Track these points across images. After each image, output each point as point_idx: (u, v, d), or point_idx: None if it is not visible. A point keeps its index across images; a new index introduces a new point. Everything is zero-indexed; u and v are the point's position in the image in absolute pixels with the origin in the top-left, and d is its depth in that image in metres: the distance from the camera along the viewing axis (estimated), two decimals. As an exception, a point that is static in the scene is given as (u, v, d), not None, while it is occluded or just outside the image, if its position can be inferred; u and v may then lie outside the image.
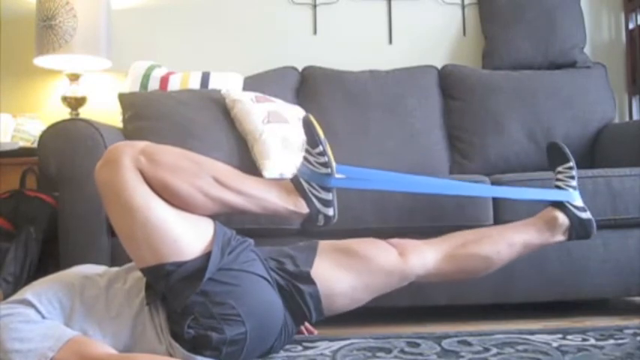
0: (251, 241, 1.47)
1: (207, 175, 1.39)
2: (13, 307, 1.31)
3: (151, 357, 1.31)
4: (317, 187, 1.49)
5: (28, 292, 1.36)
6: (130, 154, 1.32)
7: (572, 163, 1.75)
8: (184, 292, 1.31)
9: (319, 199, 1.49)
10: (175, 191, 1.35)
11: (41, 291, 1.36)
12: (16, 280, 1.78)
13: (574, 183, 1.73)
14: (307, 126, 1.52)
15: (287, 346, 1.56)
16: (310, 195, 1.49)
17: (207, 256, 1.33)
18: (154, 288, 1.36)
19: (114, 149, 1.35)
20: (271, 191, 1.47)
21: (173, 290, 1.32)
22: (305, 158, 1.52)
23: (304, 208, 1.49)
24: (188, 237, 1.34)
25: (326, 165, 1.50)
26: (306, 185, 1.49)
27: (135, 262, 1.38)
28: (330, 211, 1.51)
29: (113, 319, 1.36)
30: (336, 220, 1.53)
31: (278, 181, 1.53)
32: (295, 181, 1.50)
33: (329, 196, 1.50)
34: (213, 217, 1.47)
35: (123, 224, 1.33)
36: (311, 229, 1.57)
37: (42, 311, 1.32)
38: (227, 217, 1.77)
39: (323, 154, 1.50)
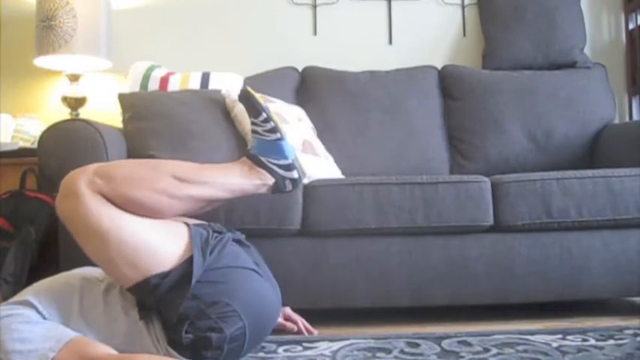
0: (229, 235, 1.46)
1: (165, 176, 1.38)
2: (14, 308, 1.31)
3: (150, 357, 1.31)
4: (274, 156, 1.50)
5: (28, 293, 1.36)
6: (84, 180, 1.31)
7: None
8: (175, 301, 1.31)
9: (280, 166, 1.50)
10: (140, 202, 1.33)
11: (41, 292, 1.36)
12: (16, 281, 1.78)
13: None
14: (246, 98, 1.53)
15: (287, 346, 1.56)
16: (270, 165, 1.50)
17: (189, 261, 1.32)
18: (146, 304, 1.35)
19: (68, 180, 1.33)
20: (233, 172, 1.48)
21: (164, 301, 1.32)
22: (253, 131, 1.53)
23: (269, 179, 1.50)
24: (165, 246, 1.33)
25: (274, 130, 1.51)
26: (263, 157, 1.50)
27: (121, 285, 1.36)
28: (295, 174, 1.52)
29: (111, 324, 1.35)
30: (304, 180, 1.54)
31: (236, 162, 1.53)
32: (251, 155, 1.51)
33: (288, 160, 1.51)
34: (194, 217, 1.47)
35: (98, 251, 1.32)
36: (282, 195, 1.58)
37: (42, 312, 1.32)
38: (226, 217, 1.78)
39: (268, 120, 1.51)
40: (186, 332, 1.31)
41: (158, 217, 1.36)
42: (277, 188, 1.52)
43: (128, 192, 1.32)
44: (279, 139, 1.51)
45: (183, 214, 1.44)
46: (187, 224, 1.41)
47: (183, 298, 1.30)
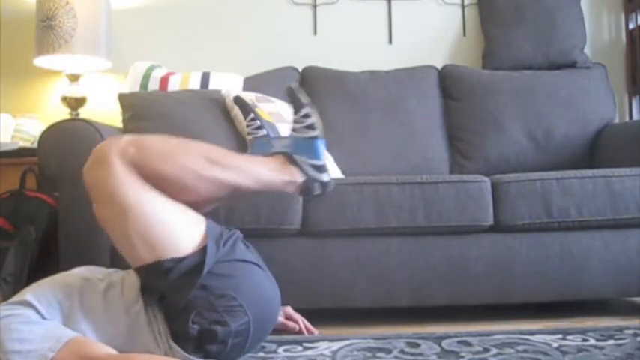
0: (239, 233, 1.46)
1: (197, 155, 1.38)
2: (14, 308, 1.31)
3: (150, 357, 1.31)
4: (308, 155, 1.48)
5: (28, 293, 1.35)
6: (117, 149, 1.30)
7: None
8: (185, 287, 1.31)
9: (312, 166, 1.48)
10: (166, 176, 1.33)
11: (41, 292, 1.36)
12: (16, 281, 1.78)
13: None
14: (292, 91, 1.51)
15: (287, 346, 1.56)
16: (302, 163, 1.48)
17: (203, 250, 1.32)
18: (151, 288, 1.35)
19: (100, 148, 1.33)
20: (264, 164, 1.46)
21: (173, 287, 1.32)
22: (292, 129, 1.51)
23: (299, 177, 1.48)
24: (183, 232, 1.33)
25: (313, 127, 1.49)
26: (296, 156, 1.48)
27: (131, 263, 1.37)
28: (325, 177, 1.50)
29: (111, 324, 1.35)
30: (333, 188, 1.51)
31: (270, 155, 1.51)
32: (284, 153, 1.49)
33: (320, 162, 1.49)
34: (211, 206, 1.46)
35: (117, 223, 1.32)
36: (309, 199, 1.55)
37: (42, 312, 1.32)
38: (226, 217, 1.78)
39: (308, 115, 1.49)
40: (193, 322, 1.31)
41: (181, 195, 1.35)
42: (306, 189, 1.50)
43: (157, 164, 1.32)
44: (316, 137, 1.49)
45: (204, 200, 1.42)
46: (205, 217, 1.41)
47: (192, 286, 1.30)
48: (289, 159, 1.48)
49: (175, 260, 1.30)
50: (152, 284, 1.35)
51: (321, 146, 1.50)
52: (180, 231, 1.33)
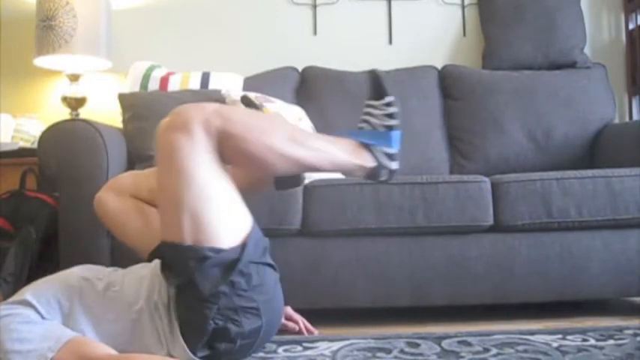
0: (267, 239, 1.47)
1: (281, 131, 1.37)
2: (13, 308, 1.31)
3: (150, 357, 1.31)
4: (382, 143, 1.47)
5: (27, 293, 1.35)
6: (202, 118, 1.28)
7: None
8: (216, 278, 1.29)
9: (385, 154, 1.47)
10: (250, 153, 1.32)
11: (40, 292, 1.36)
12: (16, 281, 1.78)
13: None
14: (375, 78, 1.49)
15: (287, 346, 1.56)
16: (376, 150, 1.47)
17: (242, 247, 1.32)
18: (179, 269, 1.31)
19: (185, 113, 1.30)
20: (339, 146, 1.44)
21: (204, 274, 1.29)
22: (368, 114, 1.49)
23: (370, 162, 1.46)
24: (231, 225, 1.33)
25: (394, 116, 1.47)
26: (371, 143, 1.46)
27: (166, 234, 1.33)
28: (395, 165, 1.49)
29: (111, 323, 1.35)
30: (395, 176, 1.50)
31: (343, 138, 1.49)
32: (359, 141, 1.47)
33: (394, 150, 1.48)
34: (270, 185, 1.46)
35: (175, 193, 1.29)
36: (374, 183, 1.54)
37: (41, 312, 1.32)
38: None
39: (391, 104, 1.47)
40: (213, 318, 1.30)
41: (254, 170, 1.35)
42: (373, 174, 1.48)
43: (242, 140, 1.30)
44: (394, 127, 1.47)
45: (272, 176, 1.41)
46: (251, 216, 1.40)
47: (224, 279, 1.29)
48: (363, 144, 1.47)
49: (215, 250, 1.29)
50: (183, 265, 1.30)
51: (398, 135, 1.48)
52: (230, 223, 1.33)
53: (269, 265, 1.41)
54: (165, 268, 1.35)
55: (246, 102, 1.91)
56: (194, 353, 1.32)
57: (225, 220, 1.32)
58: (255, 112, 1.40)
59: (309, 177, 1.93)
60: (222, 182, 1.32)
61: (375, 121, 1.48)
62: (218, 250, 1.29)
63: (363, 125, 1.49)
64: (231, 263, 1.30)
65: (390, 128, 1.47)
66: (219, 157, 1.32)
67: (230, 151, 1.31)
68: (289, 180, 1.57)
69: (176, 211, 1.29)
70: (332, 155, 1.42)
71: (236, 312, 1.31)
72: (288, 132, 1.39)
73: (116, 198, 1.56)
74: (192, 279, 1.29)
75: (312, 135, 1.45)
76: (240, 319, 1.32)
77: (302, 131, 1.44)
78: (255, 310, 1.34)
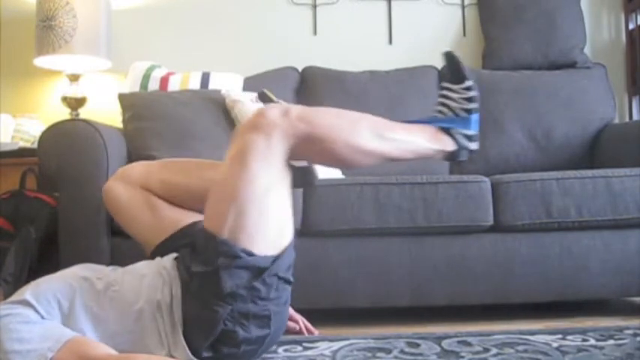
0: (294, 254, 1.46)
1: (364, 130, 1.37)
2: (12, 308, 1.30)
3: (149, 357, 1.31)
4: (461, 126, 1.46)
5: (26, 293, 1.35)
6: (285, 124, 1.29)
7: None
8: (240, 280, 1.29)
9: (465, 136, 1.47)
10: (334, 154, 1.34)
11: (40, 291, 1.36)
12: (16, 281, 1.78)
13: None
14: (453, 61, 1.49)
15: (287, 346, 1.56)
16: (456, 134, 1.46)
17: (274, 258, 1.32)
18: (208, 258, 1.30)
19: (269, 116, 1.30)
20: (421, 135, 1.44)
21: (230, 272, 1.29)
22: (447, 97, 1.49)
23: (450, 146, 1.46)
24: (271, 236, 1.33)
25: (473, 100, 1.46)
26: (450, 127, 1.46)
27: (207, 221, 1.34)
28: (474, 145, 1.48)
29: (110, 323, 1.34)
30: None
31: (423, 125, 1.49)
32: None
33: (473, 132, 1.47)
34: None
35: (231, 187, 1.29)
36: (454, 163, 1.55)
37: (41, 311, 1.31)
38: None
39: (471, 88, 1.47)
40: (224, 319, 1.30)
41: (332, 164, 1.36)
42: (453, 156, 1.48)
43: (326, 140, 1.31)
44: (473, 111, 1.46)
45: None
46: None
47: (248, 281, 1.29)
48: (443, 129, 1.47)
49: (248, 252, 1.29)
50: (212, 256, 1.30)
51: (477, 118, 1.47)
52: (271, 233, 1.33)
53: (288, 281, 1.40)
54: (192, 253, 1.35)
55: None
56: (198, 353, 1.32)
57: (268, 227, 1.32)
58: (338, 111, 1.40)
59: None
60: (280, 193, 1.33)
61: (455, 104, 1.48)
62: (250, 253, 1.29)
63: (443, 109, 1.49)
64: (259, 270, 1.30)
65: (470, 112, 1.47)
66: (297, 156, 1.32)
67: (313, 154, 1.33)
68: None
69: (226, 203, 1.29)
70: (414, 144, 1.43)
71: (247, 317, 1.31)
72: (371, 127, 1.39)
73: (125, 188, 1.56)
74: (217, 273, 1.29)
75: (393, 125, 1.43)
76: (250, 325, 1.32)
77: (384, 123, 1.42)
78: (266, 319, 1.34)
